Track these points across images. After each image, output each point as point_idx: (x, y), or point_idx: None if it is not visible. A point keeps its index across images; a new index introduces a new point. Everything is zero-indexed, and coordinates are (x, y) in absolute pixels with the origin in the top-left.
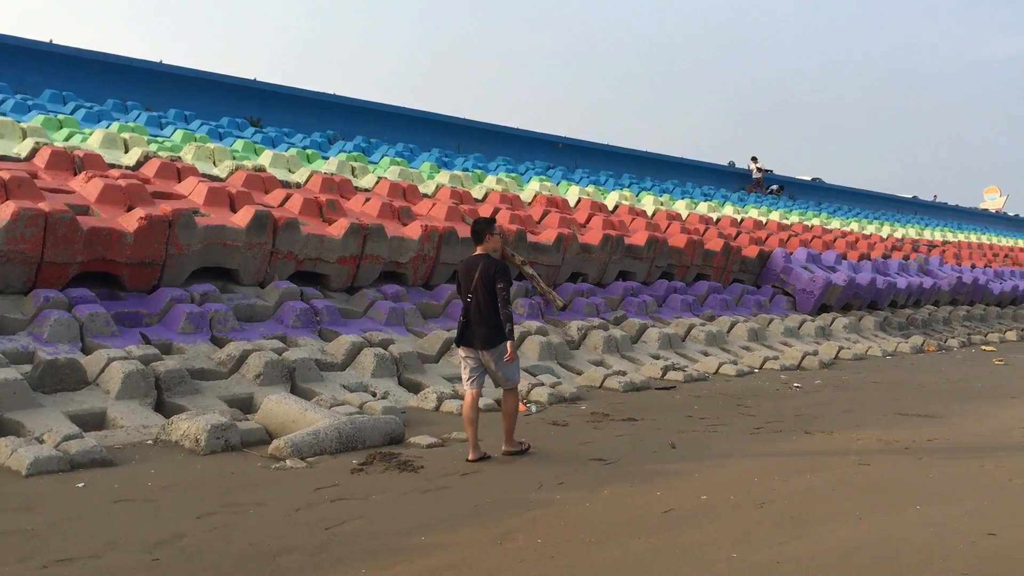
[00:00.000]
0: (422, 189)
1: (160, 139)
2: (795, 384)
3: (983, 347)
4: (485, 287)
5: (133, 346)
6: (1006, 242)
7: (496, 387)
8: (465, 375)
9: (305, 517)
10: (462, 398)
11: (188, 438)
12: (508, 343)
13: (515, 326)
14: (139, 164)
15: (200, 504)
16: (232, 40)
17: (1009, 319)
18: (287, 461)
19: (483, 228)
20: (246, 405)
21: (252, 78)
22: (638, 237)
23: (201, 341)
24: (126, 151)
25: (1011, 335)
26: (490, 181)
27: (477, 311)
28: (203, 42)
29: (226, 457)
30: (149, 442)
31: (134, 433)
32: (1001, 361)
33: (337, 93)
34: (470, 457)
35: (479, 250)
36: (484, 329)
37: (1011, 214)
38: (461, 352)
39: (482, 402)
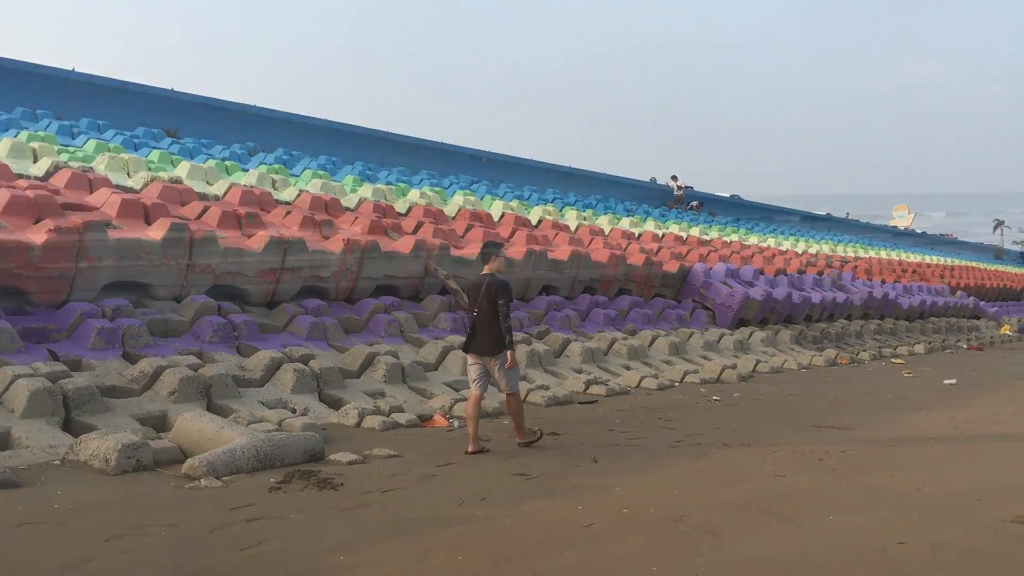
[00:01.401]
0: (344, 203)
1: (72, 149)
2: (714, 397)
3: (893, 360)
4: (489, 302)
5: (40, 363)
6: (914, 258)
7: (499, 392)
8: (471, 377)
9: (220, 538)
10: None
11: (97, 458)
12: (508, 352)
13: (438, 341)
14: (48, 174)
15: (109, 527)
16: (149, 49)
17: (917, 332)
18: (202, 480)
19: (490, 250)
20: (159, 423)
21: (169, 88)
22: (561, 252)
23: (112, 357)
24: (35, 161)
25: (919, 348)
26: (414, 195)
27: (482, 323)
28: (118, 51)
29: (138, 477)
30: (56, 463)
31: (40, 453)
32: (910, 373)
33: (258, 104)
34: (469, 449)
35: (486, 269)
36: (488, 339)
37: (919, 231)
38: (469, 359)
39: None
